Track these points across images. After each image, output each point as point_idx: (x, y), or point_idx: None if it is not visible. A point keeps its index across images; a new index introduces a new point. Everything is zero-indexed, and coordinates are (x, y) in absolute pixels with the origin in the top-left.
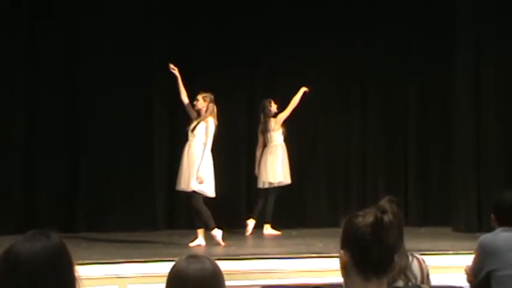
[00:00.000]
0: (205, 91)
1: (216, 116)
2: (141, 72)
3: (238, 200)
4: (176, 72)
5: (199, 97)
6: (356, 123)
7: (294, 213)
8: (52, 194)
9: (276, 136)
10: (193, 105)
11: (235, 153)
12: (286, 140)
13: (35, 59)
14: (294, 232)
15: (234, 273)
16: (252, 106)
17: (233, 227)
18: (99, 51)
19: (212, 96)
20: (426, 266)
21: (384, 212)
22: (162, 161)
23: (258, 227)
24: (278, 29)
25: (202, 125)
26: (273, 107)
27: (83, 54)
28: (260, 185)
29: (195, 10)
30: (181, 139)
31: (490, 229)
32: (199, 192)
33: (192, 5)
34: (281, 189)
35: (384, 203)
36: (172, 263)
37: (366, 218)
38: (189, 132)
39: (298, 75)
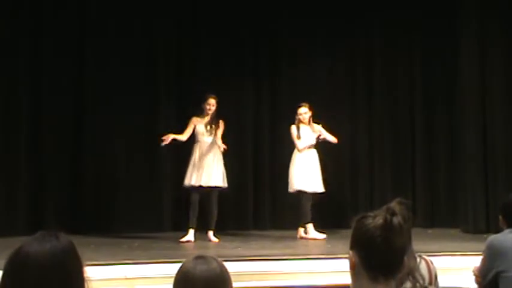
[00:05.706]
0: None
1: None
2: (148, 72)
3: (245, 200)
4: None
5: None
6: (363, 122)
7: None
8: (59, 194)
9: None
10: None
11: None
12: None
13: (40, 56)
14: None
15: (241, 275)
16: (258, 102)
17: (239, 227)
18: (106, 50)
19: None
20: (434, 267)
21: (393, 214)
22: (168, 161)
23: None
24: (279, 20)
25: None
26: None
27: (91, 52)
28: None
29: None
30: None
31: (498, 230)
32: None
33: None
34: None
35: (394, 205)
36: (180, 264)
37: (375, 219)
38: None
39: (301, 71)
